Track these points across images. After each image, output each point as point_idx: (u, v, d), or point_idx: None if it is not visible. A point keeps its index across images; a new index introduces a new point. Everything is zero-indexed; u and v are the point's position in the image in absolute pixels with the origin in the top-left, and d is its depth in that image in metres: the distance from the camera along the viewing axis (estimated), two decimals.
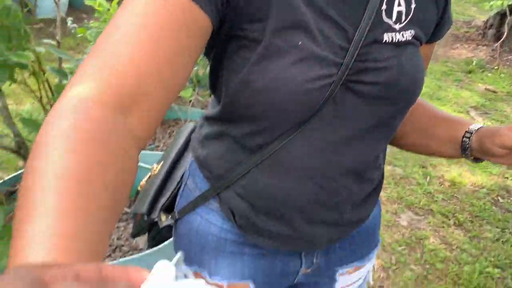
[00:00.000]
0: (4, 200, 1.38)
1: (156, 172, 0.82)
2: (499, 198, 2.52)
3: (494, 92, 4.12)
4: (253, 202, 0.63)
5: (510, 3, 4.71)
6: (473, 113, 3.66)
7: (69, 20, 2.27)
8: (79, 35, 1.86)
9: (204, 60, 2.08)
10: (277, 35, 0.50)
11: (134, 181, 0.40)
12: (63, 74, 1.42)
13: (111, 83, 0.40)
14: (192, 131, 0.82)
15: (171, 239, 0.78)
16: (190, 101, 2.11)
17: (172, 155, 0.80)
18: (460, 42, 5.47)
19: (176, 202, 0.74)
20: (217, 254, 0.69)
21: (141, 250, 1.50)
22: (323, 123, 0.56)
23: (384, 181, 1.13)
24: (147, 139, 0.44)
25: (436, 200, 2.45)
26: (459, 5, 7.11)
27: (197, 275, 0.70)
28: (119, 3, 1.72)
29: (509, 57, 4.85)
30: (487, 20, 5.47)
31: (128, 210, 1.66)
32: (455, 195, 2.52)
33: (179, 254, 0.29)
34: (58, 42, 1.61)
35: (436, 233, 2.20)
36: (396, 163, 2.77)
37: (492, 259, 2.04)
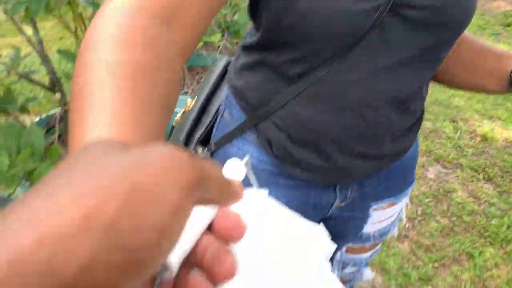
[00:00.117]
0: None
1: (190, 107, 0.82)
2: None
3: None
4: (290, 133, 0.63)
5: None
6: None
7: None
8: None
9: (232, 6, 2.03)
10: None
11: (179, 92, 0.40)
12: (96, 5, 1.41)
13: None
14: (227, 65, 0.81)
15: None
16: (219, 47, 2.08)
17: (207, 89, 0.80)
18: None
19: (212, 134, 0.74)
20: None
21: None
22: (368, 51, 0.54)
23: None
24: (192, 50, 0.44)
25: (466, 155, 2.40)
26: None
27: None
28: None
29: None
30: None
31: None
32: (486, 149, 2.46)
33: (247, 157, 0.29)
34: None
35: (465, 187, 2.17)
36: (426, 117, 2.70)
37: None
